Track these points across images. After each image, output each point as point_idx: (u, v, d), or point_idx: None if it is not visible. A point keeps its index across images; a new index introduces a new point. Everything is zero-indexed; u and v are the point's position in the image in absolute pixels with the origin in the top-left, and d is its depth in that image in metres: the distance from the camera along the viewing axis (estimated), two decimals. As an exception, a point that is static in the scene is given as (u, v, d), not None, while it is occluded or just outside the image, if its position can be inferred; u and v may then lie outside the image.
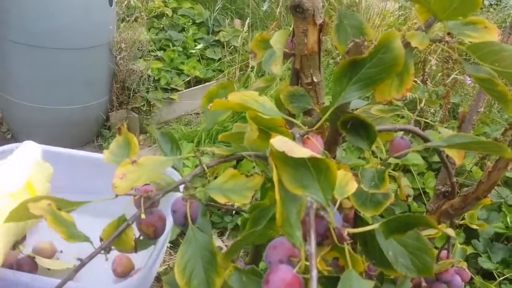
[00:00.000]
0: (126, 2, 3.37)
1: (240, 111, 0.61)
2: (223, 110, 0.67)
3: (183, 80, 3.02)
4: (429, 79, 2.56)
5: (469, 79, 2.56)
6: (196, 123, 2.92)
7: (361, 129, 0.66)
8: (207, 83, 3.11)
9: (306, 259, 0.41)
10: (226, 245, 1.97)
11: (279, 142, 0.42)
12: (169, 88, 2.94)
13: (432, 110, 2.42)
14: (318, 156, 0.42)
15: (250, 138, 0.56)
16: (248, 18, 3.34)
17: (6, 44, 2.31)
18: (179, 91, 2.96)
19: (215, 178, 0.70)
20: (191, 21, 3.49)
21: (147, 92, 2.79)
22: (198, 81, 3.14)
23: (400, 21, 3.20)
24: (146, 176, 0.58)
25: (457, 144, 0.62)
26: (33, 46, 2.27)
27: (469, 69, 0.66)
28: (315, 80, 0.80)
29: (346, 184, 0.47)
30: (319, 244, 0.47)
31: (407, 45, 0.64)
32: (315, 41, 0.78)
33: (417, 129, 0.81)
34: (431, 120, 2.25)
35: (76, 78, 2.43)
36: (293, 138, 0.57)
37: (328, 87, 2.60)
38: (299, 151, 0.41)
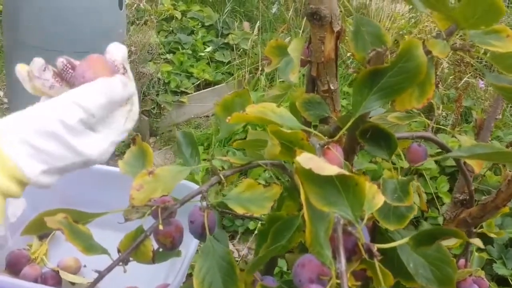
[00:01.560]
0: (135, 5, 3.38)
1: (259, 123, 0.60)
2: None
3: (192, 83, 3.02)
4: (440, 82, 2.54)
5: (481, 82, 2.54)
6: (206, 126, 2.91)
7: (380, 138, 0.65)
8: (216, 86, 3.11)
9: (337, 277, 0.41)
10: (236, 249, 1.97)
11: (304, 159, 0.41)
12: (179, 91, 2.94)
13: (444, 114, 2.39)
14: (346, 173, 0.41)
15: (272, 152, 0.56)
16: (258, 21, 3.33)
17: (18, 46, 2.32)
18: (189, 94, 2.96)
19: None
20: (200, 24, 3.49)
21: (157, 95, 2.79)
22: (207, 83, 3.13)
23: (410, 24, 3.18)
24: (163, 187, 0.58)
25: (479, 154, 0.61)
26: (43, 49, 2.27)
27: (490, 78, 0.65)
28: (332, 87, 0.79)
29: (373, 197, 0.46)
30: (348, 259, 0.46)
31: (427, 53, 0.63)
32: (332, 48, 0.77)
33: (435, 137, 0.80)
34: (442, 124, 2.23)
35: (87, 81, 2.43)
36: (313, 149, 0.56)
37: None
38: (327, 169, 0.40)
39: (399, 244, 0.54)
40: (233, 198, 0.62)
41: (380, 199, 0.46)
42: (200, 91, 3.04)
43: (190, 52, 3.22)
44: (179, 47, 3.23)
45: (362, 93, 0.59)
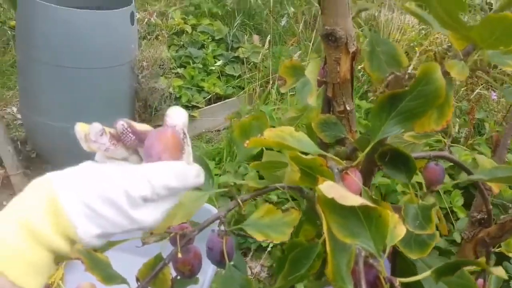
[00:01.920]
0: (146, 20, 3.41)
1: (277, 147, 0.59)
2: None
3: (203, 97, 3.03)
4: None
5: (494, 94, 2.52)
6: (217, 140, 2.91)
7: (399, 162, 0.64)
8: (227, 100, 3.11)
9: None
10: (249, 266, 1.95)
11: (327, 188, 0.41)
12: (190, 105, 2.95)
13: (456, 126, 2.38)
14: (370, 204, 0.40)
15: (292, 179, 0.55)
16: (269, 35, 3.34)
17: (31, 62, 2.34)
18: (200, 108, 2.97)
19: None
20: (210, 37, 3.50)
21: (169, 109, 2.80)
22: (218, 97, 3.14)
23: (421, 36, 3.17)
24: (182, 213, 0.57)
25: (500, 178, 0.60)
26: (57, 65, 2.29)
27: (506, 94, 0.64)
28: (348, 108, 0.79)
29: (395, 227, 0.45)
30: (369, 293, 0.45)
31: (445, 74, 0.62)
32: (348, 69, 0.76)
33: (453, 157, 0.79)
34: (455, 137, 2.21)
35: (99, 97, 2.45)
36: (332, 175, 0.56)
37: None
38: (350, 199, 0.40)
39: (416, 270, 0.54)
40: (252, 224, 0.61)
41: (401, 230, 0.45)
42: (211, 105, 3.05)
43: (200, 66, 3.23)
44: (190, 61, 3.25)
45: (381, 118, 0.58)
